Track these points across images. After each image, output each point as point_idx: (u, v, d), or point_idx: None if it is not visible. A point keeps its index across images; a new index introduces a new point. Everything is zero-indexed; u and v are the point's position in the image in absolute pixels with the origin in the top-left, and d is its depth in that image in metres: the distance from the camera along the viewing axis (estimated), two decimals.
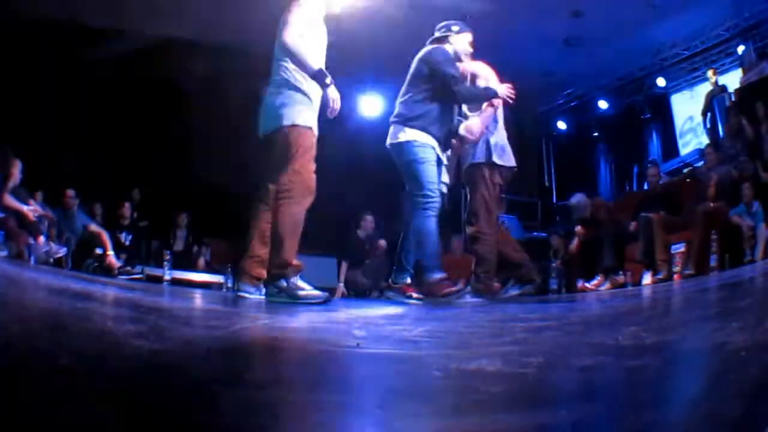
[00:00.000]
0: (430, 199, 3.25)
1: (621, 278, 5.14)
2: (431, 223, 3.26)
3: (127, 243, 6.27)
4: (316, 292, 2.64)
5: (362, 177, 7.14)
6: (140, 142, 6.86)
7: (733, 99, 6.72)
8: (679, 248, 4.72)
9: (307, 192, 2.69)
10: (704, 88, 7.70)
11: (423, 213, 3.25)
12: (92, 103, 6.63)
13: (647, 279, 4.76)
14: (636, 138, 9.28)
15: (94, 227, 5.84)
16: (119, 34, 6.55)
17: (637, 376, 0.79)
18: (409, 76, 3.43)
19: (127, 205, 6.51)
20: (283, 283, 2.58)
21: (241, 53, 6.43)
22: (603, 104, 9.32)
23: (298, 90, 2.72)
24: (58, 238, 5.28)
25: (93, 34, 6.65)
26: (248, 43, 6.67)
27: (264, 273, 2.71)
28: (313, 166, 2.72)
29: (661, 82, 8.63)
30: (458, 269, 6.66)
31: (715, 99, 7.06)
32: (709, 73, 7.43)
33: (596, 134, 9.90)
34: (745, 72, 6.87)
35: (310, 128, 2.72)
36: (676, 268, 4.59)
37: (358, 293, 6.01)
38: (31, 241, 4.70)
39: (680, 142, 8.78)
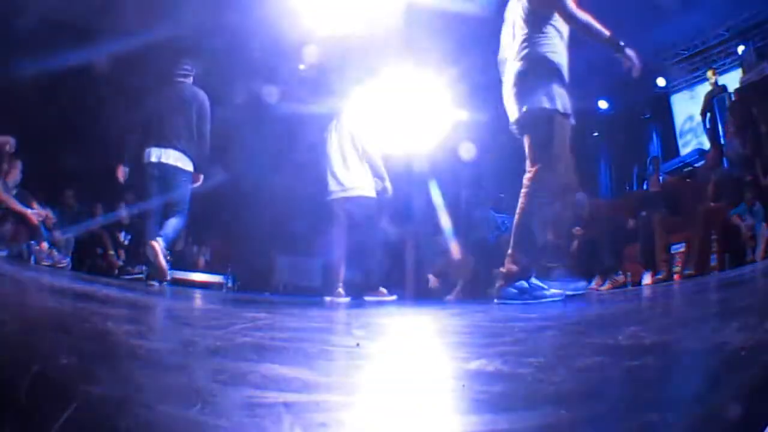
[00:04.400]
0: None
1: (621, 278, 5.14)
2: None
3: (127, 243, 6.26)
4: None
5: None
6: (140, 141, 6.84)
7: (732, 99, 6.72)
8: (679, 248, 4.73)
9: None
10: (704, 88, 7.70)
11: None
12: (91, 103, 6.62)
13: (647, 279, 4.76)
14: (636, 138, 9.28)
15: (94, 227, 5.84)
16: (119, 34, 6.55)
17: (636, 376, 0.79)
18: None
19: None
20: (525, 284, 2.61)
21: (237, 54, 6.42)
22: (603, 104, 9.32)
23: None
24: (63, 250, 5.26)
25: (93, 34, 6.64)
26: (245, 44, 6.68)
27: None
28: None
29: (661, 82, 8.63)
30: (458, 269, 6.68)
31: (714, 99, 7.06)
32: (709, 73, 7.44)
33: (596, 134, 9.90)
34: (745, 72, 6.87)
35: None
36: (676, 268, 4.59)
37: None
38: (35, 246, 4.70)
39: (680, 142, 8.78)
